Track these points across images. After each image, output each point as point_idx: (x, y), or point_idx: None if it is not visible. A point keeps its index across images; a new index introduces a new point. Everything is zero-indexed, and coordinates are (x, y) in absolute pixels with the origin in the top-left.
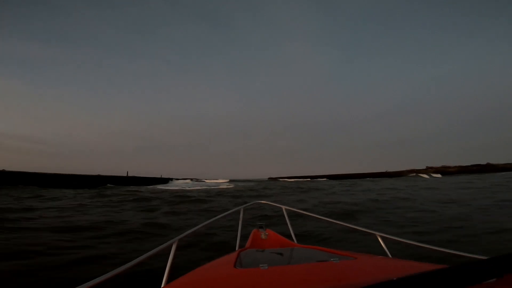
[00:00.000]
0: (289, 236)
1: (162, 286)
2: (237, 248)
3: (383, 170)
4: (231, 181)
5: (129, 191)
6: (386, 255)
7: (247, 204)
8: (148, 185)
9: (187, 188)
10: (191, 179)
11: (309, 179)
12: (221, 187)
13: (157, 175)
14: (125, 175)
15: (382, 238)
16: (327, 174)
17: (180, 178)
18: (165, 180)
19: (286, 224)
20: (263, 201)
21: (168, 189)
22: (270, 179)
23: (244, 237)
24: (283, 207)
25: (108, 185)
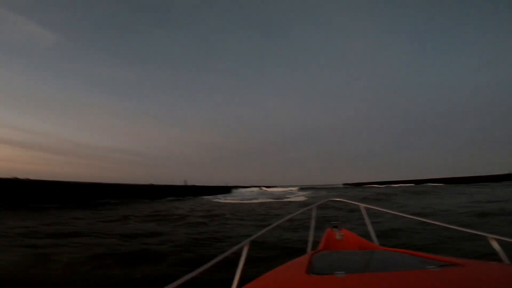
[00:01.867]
0: (368, 238)
1: None
2: (309, 250)
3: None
4: (301, 189)
5: (147, 211)
6: (502, 261)
7: (321, 202)
8: (207, 196)
9: (243, 202)
10: (260, 187)
11: (413, 184)
12: (292, 199)
13: (224, 183)
14: (183, 184)
15: (497, 241)
16: (426, 178)
17: (248, 186)
18: (228, 189)
19: (365, 224)
20: (338, 199)
21: (218, 201)
22: (347, 185)
23: (317, 238)
24: (361, 205)
25: (141, 199)
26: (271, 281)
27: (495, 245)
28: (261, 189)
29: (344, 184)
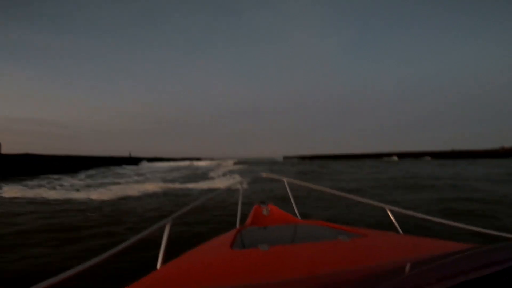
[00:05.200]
0: (293, 212)
1: (157, 267)
2: (237, 226)
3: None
4: (239, 163)
5: None
6: (396, 231)
7: (249, 178)
8: (58, 174)
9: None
10: (190, 160)
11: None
12: (211, 182)
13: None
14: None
15: (392, 212)
16: (362, 153)
17: (177, 158)
18: (115, 162)
19: (289, 198)
20: (264, 174)
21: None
22: (286, 158)
23: (246, 214)
24: (285, 179)
25: None
26: (195, 258)
27: (391, 215)
28: (192, 163)
29: (285, 158)
